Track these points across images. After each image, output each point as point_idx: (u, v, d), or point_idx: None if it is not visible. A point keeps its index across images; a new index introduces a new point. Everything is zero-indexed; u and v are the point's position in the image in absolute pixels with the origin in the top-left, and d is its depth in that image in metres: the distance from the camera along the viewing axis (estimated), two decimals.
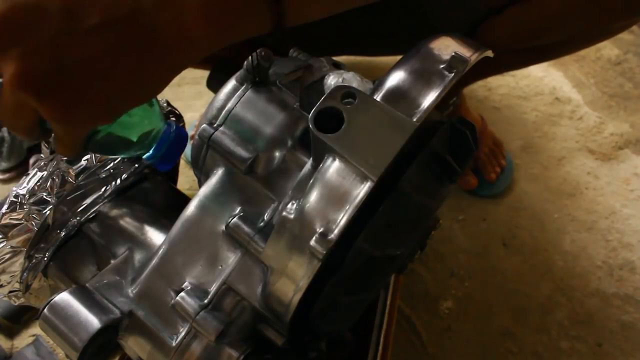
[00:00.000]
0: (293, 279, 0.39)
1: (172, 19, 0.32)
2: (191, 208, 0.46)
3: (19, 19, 0.30)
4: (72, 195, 0.50)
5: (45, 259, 0.51)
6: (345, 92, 0.38)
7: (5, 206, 0.49)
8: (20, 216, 0.48)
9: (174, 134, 0.45)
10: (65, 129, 0.35)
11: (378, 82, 0.41)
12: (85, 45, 0.31)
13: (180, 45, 0.33)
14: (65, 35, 0.30)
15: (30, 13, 0.30)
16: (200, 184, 0.49)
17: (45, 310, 0.43)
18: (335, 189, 0.37)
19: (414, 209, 0.43)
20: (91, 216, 0.52)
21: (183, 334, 0.43)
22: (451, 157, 0.44)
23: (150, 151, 0.44)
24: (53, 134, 0.37)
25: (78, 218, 0.51)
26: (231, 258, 0.44)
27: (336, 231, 0.36)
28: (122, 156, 0.49)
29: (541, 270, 0.91)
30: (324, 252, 0.36)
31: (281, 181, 0.45)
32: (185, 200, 0.53)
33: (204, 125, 0.47)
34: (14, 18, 0.30)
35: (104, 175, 0.52)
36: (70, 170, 0.50)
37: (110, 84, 0.32)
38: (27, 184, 0.49)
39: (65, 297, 0.43)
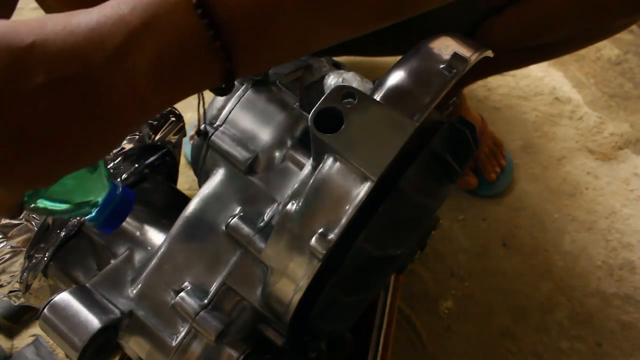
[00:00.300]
0: (293, 279, 0.39)
1: (122, 79, 0.30)
2: (191, 208, 0.46)
3: None
4: None
5: (45, 259, 0.51)
6: (345, 92, 0.38)
7: None
8: (21, 216, 0.48)
9: (119, 197, 0.42)
10: (1, 192, 0.32)
11: (378, 82, 0.41)
12: (30, 106, 0.29)
13: (131, 105, 0.31)
14: (9, 95, 0.28)
15: None
16: (200, 184, 0.49)
17: (45, 310, 0.43)
18: (335, 189, 0.37)
19: (414, 209, 0.43)
20: None
21: (183, 334, 0.43)
22: (451, 157, 0.44)
23: (93, 213, 0.41)
24: None
25: (78, 218, 0.51)
26: (231, 258, 0.44)
27: (336, 231, 0.36)
28: (62, 217, 0.47)
29: (541, 270, 0.91)
30: (324, 252, 0.36)
31: (281, 181, 0.45)
32: (185, 200, 0.53)
33: (204, 125, 0.47)
34: None
35: None
36: None
37: (53, 147, 0.30)
38: None
39: (65, 297, 0.43)
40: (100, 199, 0.41)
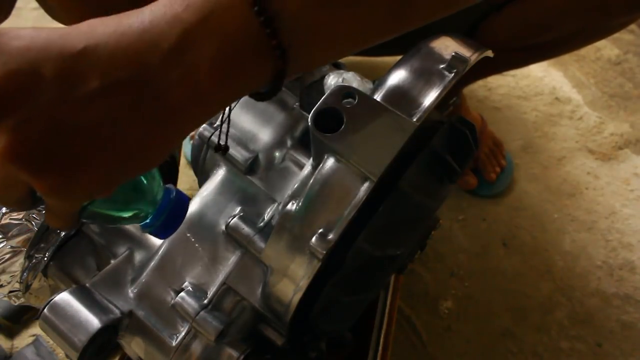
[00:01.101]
0: (293, 279, 0.39)
1: (182, 79, 0.29)
2: (191, 208, 0.46)
3: (12, 86, 0.27)
4: None
5: (45, 259, 0.51)
6: (345, 92, 0.38)
7: None
8: (20, 216, 0.48)
9: (173, 201, 0.40)
10: (59, 204, 0.32)
11: (378, 82, 0.41)
12: (85, 113, 0.28)
13: (190, 106, 0.30)
14: (63, 103, 0.27)
15: (24, 80, 0.27)
16: (200, 184, 0.49)
17: (45, 310, 0.43)
18: (335, 189, 0.37)
19: (414, 209, 0.43)
20: None
21: (183, 334, 0.43)
22: (451, 157, 0.44)
23: (147, 220, 0.40)
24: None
25: None
26: (231, 258, 0.44)
27: (336, 231, 0.36)
28: (118, 225, 0.46)
29: (541, 270, 0.91)
30: (324, 252, 0.36)
31: (281, 181, 0.45)
32: None
33: (204, 125, 0.47)
34: (6, 86, 0.27)
35: None
36: None
37: (112, 154, 0.29)
38: None
39: (65, 297, 0.43)
40: (155, 205, 0.39)
